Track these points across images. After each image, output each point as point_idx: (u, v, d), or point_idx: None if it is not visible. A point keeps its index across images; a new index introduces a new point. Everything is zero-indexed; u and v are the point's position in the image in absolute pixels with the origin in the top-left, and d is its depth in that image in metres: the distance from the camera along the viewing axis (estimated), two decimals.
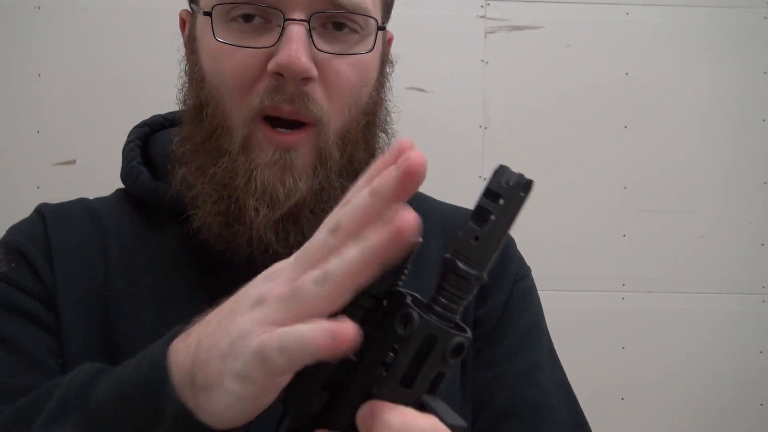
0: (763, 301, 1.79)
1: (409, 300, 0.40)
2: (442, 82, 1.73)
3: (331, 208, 0.59)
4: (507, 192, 0.38)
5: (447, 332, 0.39)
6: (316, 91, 0.58)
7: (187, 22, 0.67)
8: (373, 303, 0.40)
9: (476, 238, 0.38)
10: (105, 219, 0.67)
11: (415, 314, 0.38)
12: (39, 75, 1.68)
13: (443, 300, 0.40)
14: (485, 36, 1.75)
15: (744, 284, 1.78)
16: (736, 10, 1.76)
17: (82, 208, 0.69)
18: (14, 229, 0.67)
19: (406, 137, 0.39)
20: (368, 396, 0.40)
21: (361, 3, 0.59)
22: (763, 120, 1.78)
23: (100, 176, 1.54)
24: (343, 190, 0.61)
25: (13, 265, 0.63)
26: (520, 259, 0.75)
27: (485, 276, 0.39)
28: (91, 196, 0.73)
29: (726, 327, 1.78)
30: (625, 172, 1.77)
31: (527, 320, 0.73)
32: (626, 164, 1.77)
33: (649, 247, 1.77)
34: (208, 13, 0.58)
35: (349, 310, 0.38)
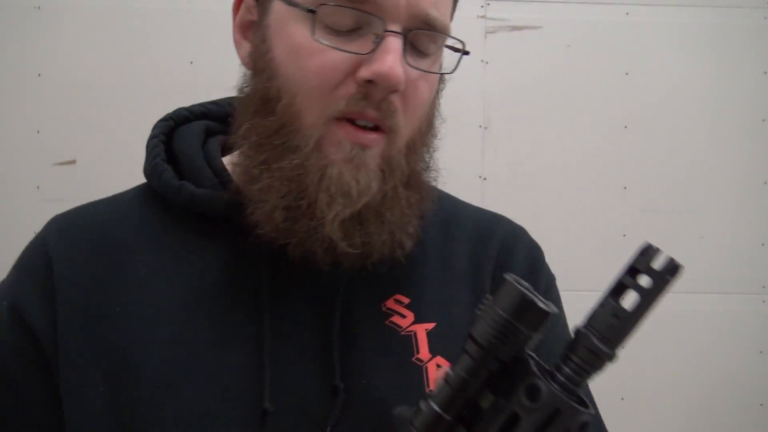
0: (763, 301, 1.79)
1: (534, 367, 0.40)
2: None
3: (394, 215, 0.60)
4: (656, 276, 0.38)
5: (575, 409, 0.39)
6: (397, 102, 0.59)
7: (245, 4, 0.65)
8: (498, 366, 0.40)
9: (616, 317, 0.38)
10: (116, 224, 0.66)
11: (543, 387, 0.39)
12: (39, 75, 1.68)
13: (568, 371, 0.40)
14: (485, 36, 1.75)
15: (744, 284, 1.79)
16: (736, 10, 1.76)
17: (91, 215, 0.67)
18: (14, 278, 0.64)
19: None
20: None
21: (448, 26, 0.61)
22: (763, 120, 1.78)
23: (100, 176, 1.54)
24: (406, 200, 0.62)
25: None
26: (548, 268, 0.75)
27: (617, 355, 0.39)
28: (91, 197, 0.71)
29: (726, 327, 1.78)
30: (625, 172, 1.77)
31: (559, 329, 0.73)
32: (626, 164, 1.77)
33: None
34: (312, 11, 0.57)
35: (474, 372, 0.39)
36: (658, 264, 0.38)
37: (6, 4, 1.68)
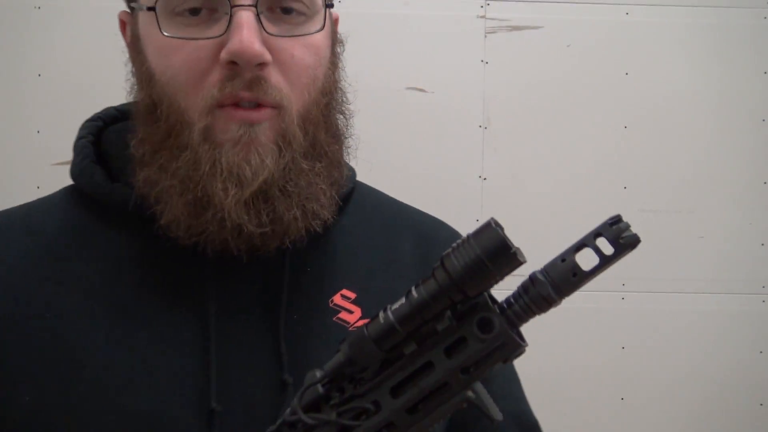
0: (763, 301, 1.79)
1: (489, 301, 0.44)
2: (442, 82, 1.73)
3: (299, 187, 0.59)
4: (618, 246, 0.42)
5: (518, 345, 0.43)
6: (273, 75, 0.57)
7: (127, 24, 0.64)
8: (461, 298, 0.43)
9: (574, 274, 0.43)
10: (46, 226, 0.64)
11: (496, 322, 0.43)
12: (39, 75, 1.68)
13: (518, 308, 0.44)
14: (485, 36, 1.75)
15: (744, 284, 1.79)
16: (736, 10, 1.76)
17: (20, 217, 0.66)
18: None
19: None
20: (426, 366, 0.44)
21: None
22: (763, 120, 1.78)
23: None
24: (311, 171, 0.61)
25: None
26: None
27: (559, 304, 0.43)
28: None
29: (726, 327, 1.78)
30: (625, 172, 1.77)
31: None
32: (626, 164, 1.77)
33: (649, 247, 1.76)
34: (152, 8, 0.56)
35: (436, 297, 0.42)
36: (621, 235, 0.42)
37: (6, 4, 1.68)
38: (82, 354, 0.58)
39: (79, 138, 0.68)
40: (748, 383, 1.78)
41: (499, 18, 1.75)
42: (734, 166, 1.78)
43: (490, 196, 1.74)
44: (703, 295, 1.77)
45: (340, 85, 0.65)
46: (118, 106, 0.72)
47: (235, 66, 0.56)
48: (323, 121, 0.62)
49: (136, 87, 0.62)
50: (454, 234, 0.75)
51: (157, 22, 0.56)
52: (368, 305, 0.65)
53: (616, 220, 0.42)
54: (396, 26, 1.72)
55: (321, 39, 0.61)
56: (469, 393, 0.45)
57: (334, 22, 0.67)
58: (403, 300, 0.45)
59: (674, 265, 1.77)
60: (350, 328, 0.64)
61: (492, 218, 0.43)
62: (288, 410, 0.48)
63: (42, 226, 0.64)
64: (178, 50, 0.57)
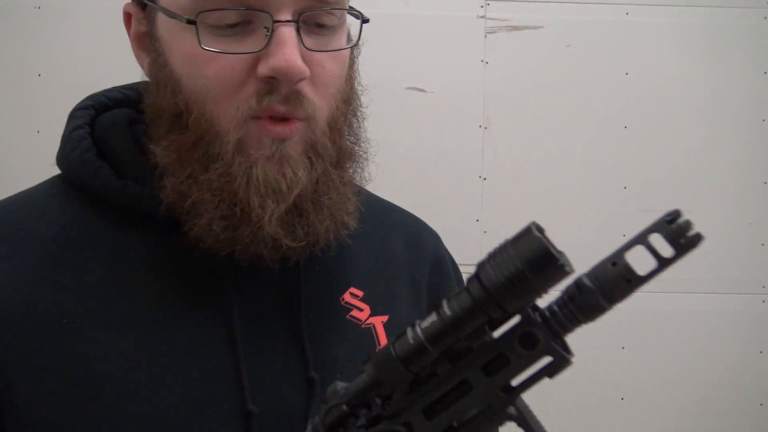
0: (763, 301, 1.79)
1: (532, 313, 0.39)
2: (442, 82, 1.73)
3: (330, 198, 0.59)
4: (680, 248, 0.37)
5: (565, 359, 0.39)
6: (306, 88, 0.57)
7: (134, 17, 0.63)
8: (500, 314, 0.39)
9: (628, 280, 0.38)
10: (40, 226, 0.60)
11: (541, 337, 0.38)
12: (39, 75, 1.68)
13: (563, 317, 0.39)
14: (485, 36, 1.75)
15: (744, 284, 1.78)
16: (736, 10, 1.76)
17: (5, 216, 0.61)
18: None
19: None
20: (462, 384, 0.40)
21: None
22: (763, 120, 1.78)
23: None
24: (340, 181, 0.61)
25: None
26: None
27: (609, 311, 0.38)
28: None
29: (726, 327, 1.78)
30: (625, 172, 1.77)
31: None
32: (626, 164, 1.77)
33: None
34: (192, 22, 0.55)
35: (472, 313, 0.38)
36: (684, 235, 0.36)
37: (6, 4, 1.68)
38: (103, 363, 0.56)
39: (76, 128, 0.65)
40: (747, 383, 1.78)
41: (499, 18, 1.75)
42: (734, 166, 1.78)
43: (490, 196, 1.74)
44: (703, 295, 1.77)
45: (356, 90, 0.65)
46: (106, 92, 0.70)
47: (272, 80, 0.55)
48: (346, 128, 0.63)
49: (154, 89, 0.60)
50: (433, 234, 0.77)
51: (198, 36, 0.55)
52: (375, 303, 0.66)
53: (675, 217, 0.37)
54: (396, 26, 1.72)
55: (347, 51, 0.61)
56: (511, 410, 0.41)
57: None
58: (433, 316, 0.40)
59: (674, 265, 1.76)
60: (362, 326, 0.65)
61: (533, 222, 0.39)
62: (310, 427, 0.46)
63: (33, 224, 0.61)
64: (212, 61, 0.56)
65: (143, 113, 0.63)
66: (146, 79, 0.63)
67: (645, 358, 1.76)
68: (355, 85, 0.64)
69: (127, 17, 0.64)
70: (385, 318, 0.66)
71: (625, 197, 1.76)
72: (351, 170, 0.63)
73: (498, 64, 1.75)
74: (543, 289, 0.37)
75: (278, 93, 0.56)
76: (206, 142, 0.57)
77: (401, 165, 1.67)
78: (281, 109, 0.56)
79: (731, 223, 1.78)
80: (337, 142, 0.61)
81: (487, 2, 1.75)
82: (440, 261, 0.75)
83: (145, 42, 0.62)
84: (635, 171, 1.77)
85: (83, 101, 0.68)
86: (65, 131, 0.66)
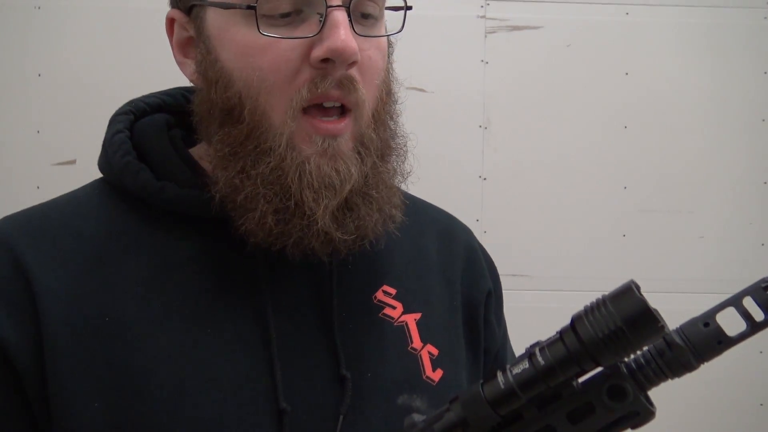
0: None
1: (622, 366, 0.40)
2: (442, 82, 1.73)
3: (379, 192, 0.60)
4: None
5: (650, 412, 0.40)
6: (356, 75, 0.59)
7: (179, 22, 0.64)
8: (593, 368, 0.40)
9: (719, 342, 0.40)
10: (87, 228, 0.62)
11: (630, 390, 0.40)
12: (39, 75, 1.68)
13: (650, 373, 0.40)
14: (485, 36, 1.75)
15: (744, 284, 1.77)
16: (736, 10, 1.76)
17: (55, 218, 0.63)
18: None
19: None
20: (547, 429, 0.41)
21: None
22: (763, 120, 1.78)
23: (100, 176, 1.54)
24: (387, 174, 0.62)
25: None
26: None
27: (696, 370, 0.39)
28: None
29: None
30: (625, 172, 1.77)
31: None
32: (626, 164, 1.77)
33: (649, 247, 1.76)
34: (252, 7, 0.56)
35: (566, 365, 0.39)
36: None
37: (6, 4, 1.68)
38: (149, 360, 0.57)
39: (116, 132, 0.66)
40: (748, 383, 1.78)
41: (499, 18, 1.75)
42: (734, 166, 1.78)
43: (490, 196, 1.74)
44: (703, 295, 1.77)
45: (393, 87, 0.67)
46: (144, 98, 0.71)
47: (326, 65, 0.57)
48: (388, 120, 0.64)
49: (203, 89, 0.61)
50: (465, 229, 0.78)
51: (257, 21, 0.56)
52: (408, 300, 0.67)
53: (766, 281, 0.38)
54: (396, 26, 1.72)
55: (387, 41, 0.63)
56: None
57: None
58: (525, 363, 0.41)
59: (674, 265, 1.77)
60: (395, 324, 0.65)
61: (632, 280, 0.39)
62: None
63: (80, 225, 0.62)
64: (266, 50, 0.57)
65: (182, 117, 0.65)
66: (187, 84, 0.65)
67: None
68: (392, 80, 0.66)
69: (170, 23, 0.65)
70: (417, 316, 0.67)
71: (625, 197, 1.76)
72: (395, 163, 0.64)
73: (498, 64, 1.75)
74: (639, 347, 0.39)
75: (332, 77, 0.57)
76: (258, 135, 0.58)
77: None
78: (335, 93, 0.58)
79: (731, 223, 1.78)
80: (381, 135, 0.62)
81: (487, 2, 1.75)
82: (473, 254, 0.75)
83: (190, 46, 0.63)
84: (635, 171, 1.77)
85: (123, 107, 0.70)
86: (106, 136, 0.68)
